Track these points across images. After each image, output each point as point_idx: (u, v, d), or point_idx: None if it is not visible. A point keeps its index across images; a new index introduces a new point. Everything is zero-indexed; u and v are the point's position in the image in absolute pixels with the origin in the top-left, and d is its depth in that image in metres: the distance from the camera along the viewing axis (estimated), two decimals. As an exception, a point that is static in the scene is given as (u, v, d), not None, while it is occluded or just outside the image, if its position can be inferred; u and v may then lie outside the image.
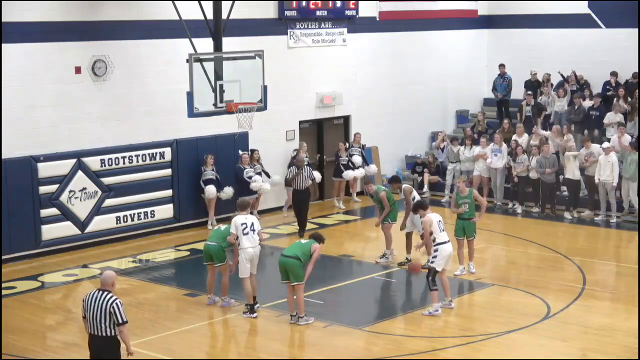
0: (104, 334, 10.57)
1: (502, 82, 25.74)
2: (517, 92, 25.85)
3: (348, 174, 23.20)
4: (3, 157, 17.85)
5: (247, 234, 14.64)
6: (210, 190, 20.56)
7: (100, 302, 10.55)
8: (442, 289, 14.98)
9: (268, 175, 21.69)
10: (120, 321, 10.54)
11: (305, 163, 20.64)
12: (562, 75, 25.30)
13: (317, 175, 21.58)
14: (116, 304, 10.52)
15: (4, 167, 17.86)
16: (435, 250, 14.86)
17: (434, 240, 14.90)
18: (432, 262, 14.84)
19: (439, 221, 15.12)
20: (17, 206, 18.05)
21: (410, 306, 15.56)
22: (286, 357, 13.39)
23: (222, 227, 15.25)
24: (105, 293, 10.60)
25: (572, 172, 21.57)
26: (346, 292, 16.45)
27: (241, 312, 14.87)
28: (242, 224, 14.65)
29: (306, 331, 14.22)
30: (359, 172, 23.43)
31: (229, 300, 15.34)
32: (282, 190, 22.22)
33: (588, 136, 22.59)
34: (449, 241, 15.02)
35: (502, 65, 25.84)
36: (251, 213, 21.14)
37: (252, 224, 14.73)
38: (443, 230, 15.03)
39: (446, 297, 15.03)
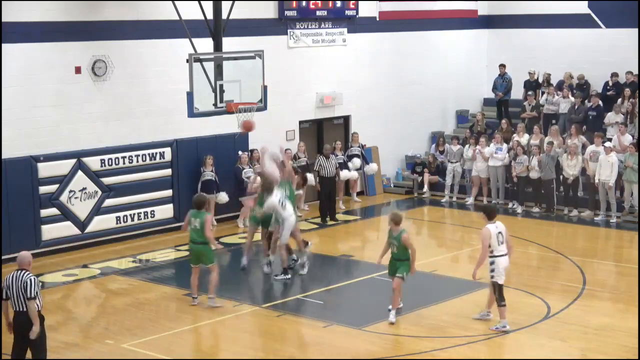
0: (24, 309, 11.23)
1: (502, 82, 25.75)
2: (517, 92, 25.87)
3: (345, 175, 23.06)
4: (3, 157, 17.84)
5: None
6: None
7: (19, 279, 11.23)
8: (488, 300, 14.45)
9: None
10: (29, 295, 11.18)
11: (331, 152, 22.20)
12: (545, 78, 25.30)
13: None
14: (30, 278, 11.23)
15: (4, 167, 17.86)
16: (492, 263, 13.86)
17: (491, 252, 13.83)
18: (492, 277, 13.94)
19: (499, 233, 13.87)
20: (17, 206, 18.05)
21: (411, 306, 15.53)
22: (286, 357, 13.39)
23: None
24: (24, 271, 11.31)
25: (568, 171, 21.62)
26: (346, 292, 16.45)
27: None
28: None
29: (306, 331, 14.22)
30: (355, 174, 23.37)
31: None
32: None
33: (597, 134, 22.23)
34: (506, 254, 13.94)
35: (502, 66, 25.85)
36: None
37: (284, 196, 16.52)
38: (502, 243, 13.88)
39: (487, 307, 14.49)
